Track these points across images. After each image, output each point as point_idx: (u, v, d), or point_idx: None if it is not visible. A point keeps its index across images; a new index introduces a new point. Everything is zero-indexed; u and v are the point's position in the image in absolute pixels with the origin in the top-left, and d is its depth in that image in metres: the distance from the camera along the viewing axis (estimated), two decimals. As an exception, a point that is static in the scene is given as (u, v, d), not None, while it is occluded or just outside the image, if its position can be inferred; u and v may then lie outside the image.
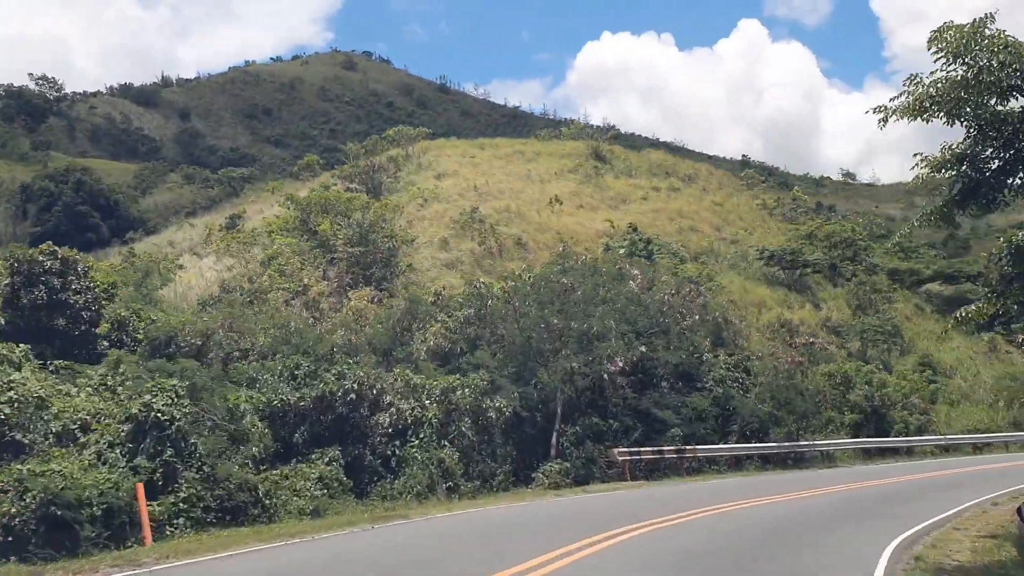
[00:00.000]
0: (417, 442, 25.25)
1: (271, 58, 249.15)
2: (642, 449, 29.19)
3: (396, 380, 26.02)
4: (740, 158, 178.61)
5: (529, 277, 34.48)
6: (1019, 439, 46.14)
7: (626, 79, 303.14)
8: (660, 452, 29.85)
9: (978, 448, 44.32)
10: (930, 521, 17.87)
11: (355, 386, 24.46)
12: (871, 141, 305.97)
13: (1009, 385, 54.84)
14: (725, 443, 33.37)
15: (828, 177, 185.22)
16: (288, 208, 51.06)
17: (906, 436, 41.05)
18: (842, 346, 54.92)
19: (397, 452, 25.19)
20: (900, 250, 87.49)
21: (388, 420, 24.73)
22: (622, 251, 48.96)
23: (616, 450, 28.53)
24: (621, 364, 29.70)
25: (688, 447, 30.71)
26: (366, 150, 74.04)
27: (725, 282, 54.35)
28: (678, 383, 35.28)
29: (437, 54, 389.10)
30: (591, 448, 29.76)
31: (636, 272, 35.63)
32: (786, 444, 34.82)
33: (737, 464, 33.26)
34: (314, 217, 48.49)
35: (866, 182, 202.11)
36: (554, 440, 29.24)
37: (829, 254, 66.57)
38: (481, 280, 34.70)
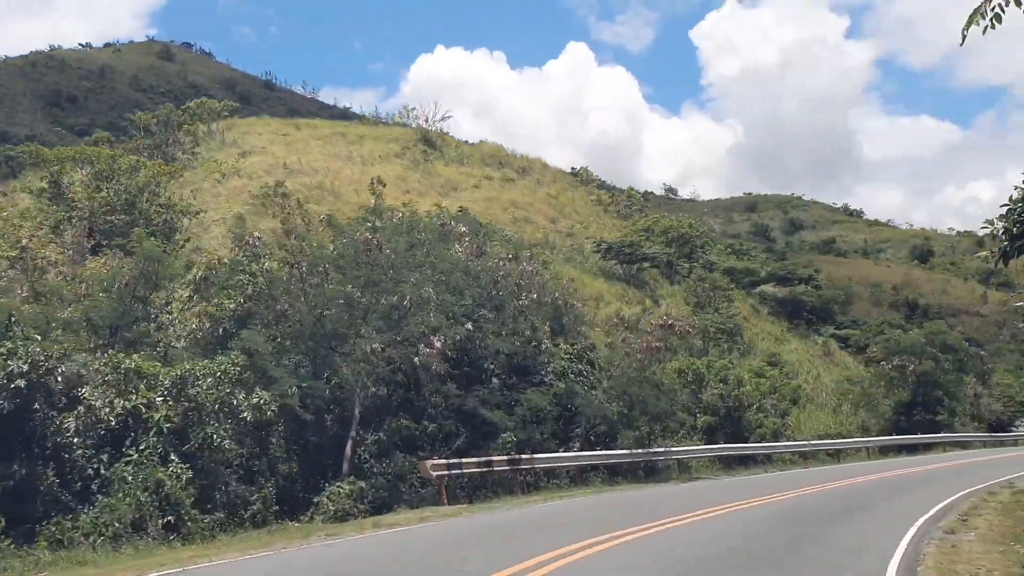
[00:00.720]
0: (136, 456, 16.81)
1: (80, 44, 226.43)
2: (464, 461, 21.67)
3: (103, 365, 17.39)
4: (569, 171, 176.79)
5: (326, 243, 26.44)
6: (874, 444, 42.13)
7: (459, 93, 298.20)
8: (488, 464, 22.43)
9: (831, 455, 39.71)
10: None
11: (24, 369, 15.64)
12: (688, 165, 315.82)
13: (851, 388, 51.50)
14: (568, 450, 26.52)
15: (652, 192, 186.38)
16: (34, 163, 40.64)
17: (767, 442, 35.80)
18: (683, 345, 50.01)
19: (103, 471, 16.69)
20: (733, 251, 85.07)
21: (76, 423, 16.11)
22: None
23: (429, 462, 20.85)
24: (440, 345, 22.16)
25: (524, 456, 23.57)
26: (159, 120, 62.99)
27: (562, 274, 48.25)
28: (511, 377, 28.27)
29: (266, 58, 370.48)
30: (401, 461, 22.16)
31: (464, 230, 28.17)
32: (639, 452, 28.39)
33: (582, 476, 26.47)
34: (67, 178, 38.35)
35: (687, 197, 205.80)
36: (348, 451, 21.38)
37: (667, 250, 61.95)
38: (257, 235, 26.30)
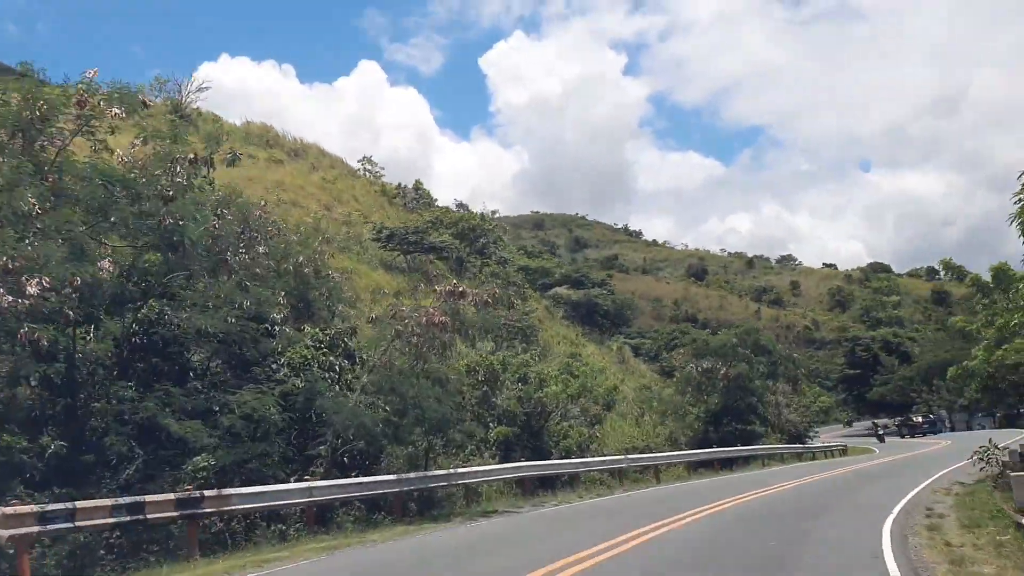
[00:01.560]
0: None
1: None
2: (79, 506, 11.71)
3: None
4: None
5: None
6: (692, 458, 35.58)
7: (246, 104, 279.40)
8: (137, 509, 12.60)
9: (643, 471, 32.63)
10: None
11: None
12: (477, 188, 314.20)
13: (652, 398, 45.44)
14: (301, 480, 17.23)
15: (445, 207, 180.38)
16: None
17: (574, 457, 28.11)
18: (472, 345, 42.06)
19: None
20: (525, 252, 78.62)
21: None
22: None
23: (5, 511, 10.87)
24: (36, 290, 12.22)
25: (208, 494, 13.99)
26: None
27: (334, 264, 38.82)
28: (225, 372, 18.78)
29: (33, 59, 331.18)
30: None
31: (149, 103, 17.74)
32: (411, 478, 19.61)
33: (322, 518, 17.33)
34: None
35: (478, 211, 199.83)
36: None
37: (456, 242, 53.92)
38: None
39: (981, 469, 21.09)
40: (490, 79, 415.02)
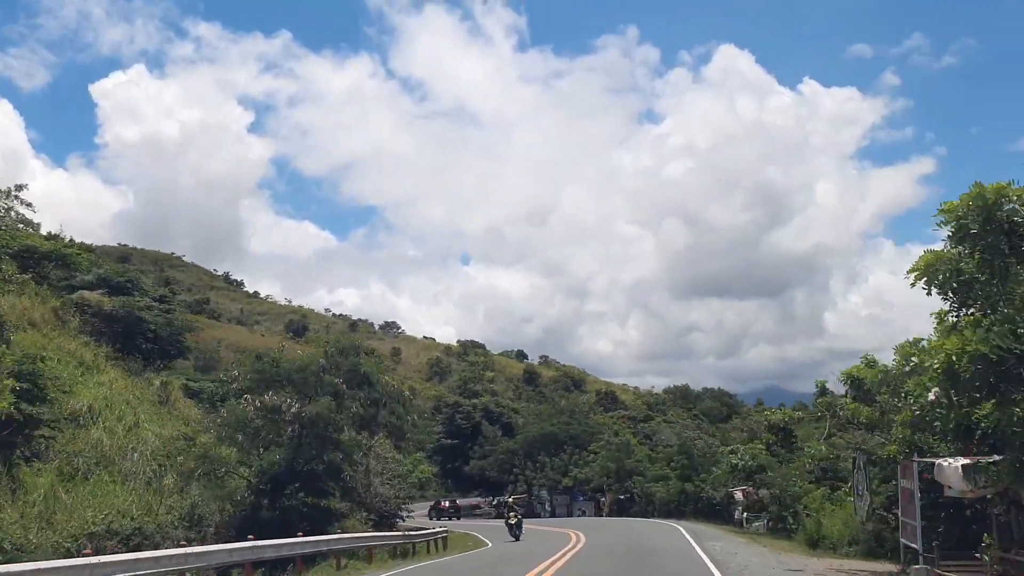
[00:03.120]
0: None
1: None
2: None
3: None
4: None
5: None
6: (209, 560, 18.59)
7: None
8: None
9: None
10: None
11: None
12: (68, 222, 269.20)
13: (185, 449, 27.97)
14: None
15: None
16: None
17: None
18: None
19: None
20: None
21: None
22: None
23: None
24: None
25: None
26: None
27: None
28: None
29: None
30: None
31: None
32: None
33: None
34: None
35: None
36: None
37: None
38: None
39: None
40: (101, 109, 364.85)
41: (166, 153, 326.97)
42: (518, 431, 77.00)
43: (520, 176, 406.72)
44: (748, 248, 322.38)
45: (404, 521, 48.17)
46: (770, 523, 35.81)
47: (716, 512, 43.34)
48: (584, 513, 65.52)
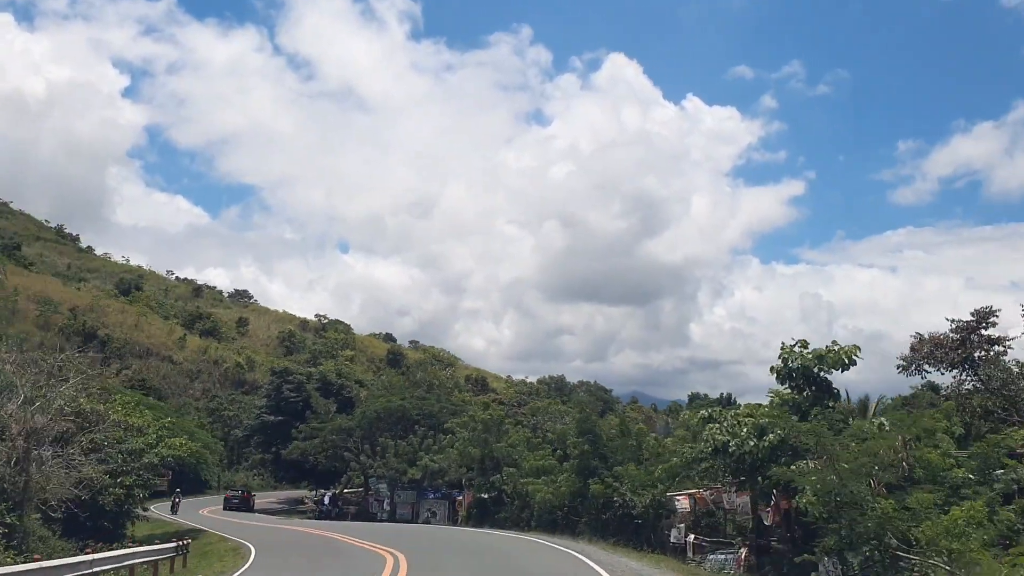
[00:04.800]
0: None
1: None
2: None
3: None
4: None
5: None
6: None
7: None
8: None
9: None
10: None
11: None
12: None
13: None
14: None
15: None
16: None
17: None
18: None
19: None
20: None
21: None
22: None
23: None
24: None
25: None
26: None
27: None
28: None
29: None
30: None
31: None
32: None
33: None
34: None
35: None
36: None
37: None
38: None
39: None
40: None
41: (29, 112, 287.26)
42: (359, 406, 58.50)
43: (404, 165, 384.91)
44: (622, 255, 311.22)
45: (131, 523, 29.34)
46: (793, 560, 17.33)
47: (636, 529, 26.41)
48: (434, 516, 47.70)
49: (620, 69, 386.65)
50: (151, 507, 42.73)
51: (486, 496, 41.17)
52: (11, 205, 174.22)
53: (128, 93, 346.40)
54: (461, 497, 46.69)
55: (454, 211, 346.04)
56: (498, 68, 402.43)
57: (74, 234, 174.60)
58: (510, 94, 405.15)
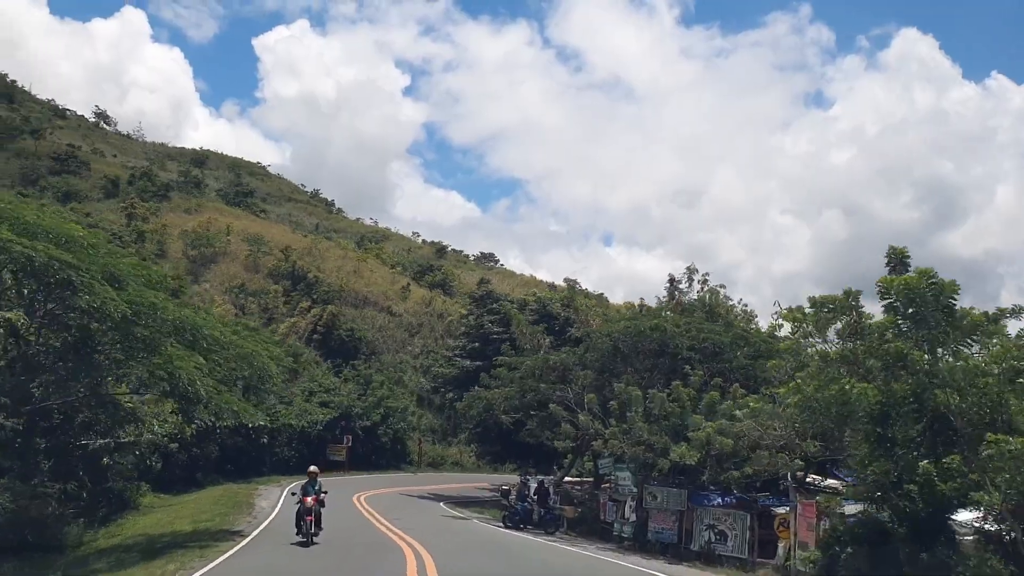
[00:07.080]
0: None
1: None
2: None
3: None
4: None
5: None
6: None
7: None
8: None
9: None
10: None
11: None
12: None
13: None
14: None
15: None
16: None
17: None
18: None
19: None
20: None
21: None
22: None
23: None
24: None
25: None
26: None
27: None
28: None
29: None
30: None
31: None
32: None
33: None
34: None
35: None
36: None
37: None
38: None
39: None
40: (263, 63, 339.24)
41: (322, 111, 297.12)
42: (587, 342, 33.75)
43: (670, 154, 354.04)
44: (911, 248, 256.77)
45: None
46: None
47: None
48: (722, 540, 22.55)
49: (912, 45, 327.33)
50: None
51: (887, 518, 15.23)
52: (268, 168, 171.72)
53: (408, 92, 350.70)
54: (788, 510, 21.19)
55: (722, 200, 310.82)
56: (775, 48, 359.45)
57: (329, 199, 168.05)
58: (787, 75, 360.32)
